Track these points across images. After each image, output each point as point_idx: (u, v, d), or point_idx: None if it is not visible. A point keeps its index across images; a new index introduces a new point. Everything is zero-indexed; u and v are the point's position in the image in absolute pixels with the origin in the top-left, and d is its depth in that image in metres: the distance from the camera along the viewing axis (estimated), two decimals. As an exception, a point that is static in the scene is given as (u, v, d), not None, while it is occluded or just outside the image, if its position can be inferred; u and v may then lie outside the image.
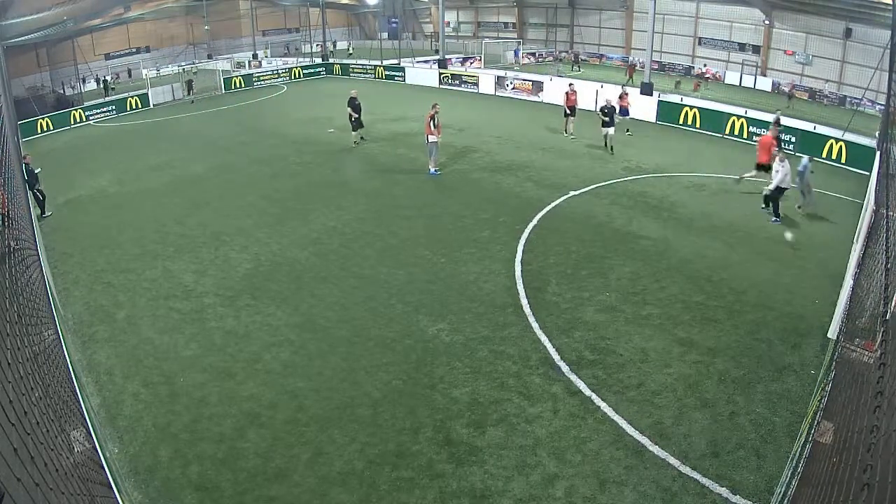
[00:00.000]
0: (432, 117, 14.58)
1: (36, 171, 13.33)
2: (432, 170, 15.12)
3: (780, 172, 11.51)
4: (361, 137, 18.63)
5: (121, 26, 44.24)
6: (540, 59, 45.29)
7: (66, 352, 6.22)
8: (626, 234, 11.21)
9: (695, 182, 14.23)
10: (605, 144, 17.13)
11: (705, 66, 37.08)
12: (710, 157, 16.69)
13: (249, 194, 14.10)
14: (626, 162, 15.94)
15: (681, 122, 20.37)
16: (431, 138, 14.72)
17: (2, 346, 2.48)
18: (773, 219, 11.73)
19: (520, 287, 9.24)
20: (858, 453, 2.41)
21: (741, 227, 11.43)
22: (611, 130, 16.94)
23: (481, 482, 5.55)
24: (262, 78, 34.07)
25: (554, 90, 25.52)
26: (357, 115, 17.92)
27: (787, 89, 31.44)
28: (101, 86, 36.11)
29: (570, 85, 19.60)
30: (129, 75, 41.42)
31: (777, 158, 11.76)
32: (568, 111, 18.85)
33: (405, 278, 9.63)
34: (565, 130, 19.10)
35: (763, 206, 12.07)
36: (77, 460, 3.65)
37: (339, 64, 37.01)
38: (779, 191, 11.62)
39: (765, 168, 12.94)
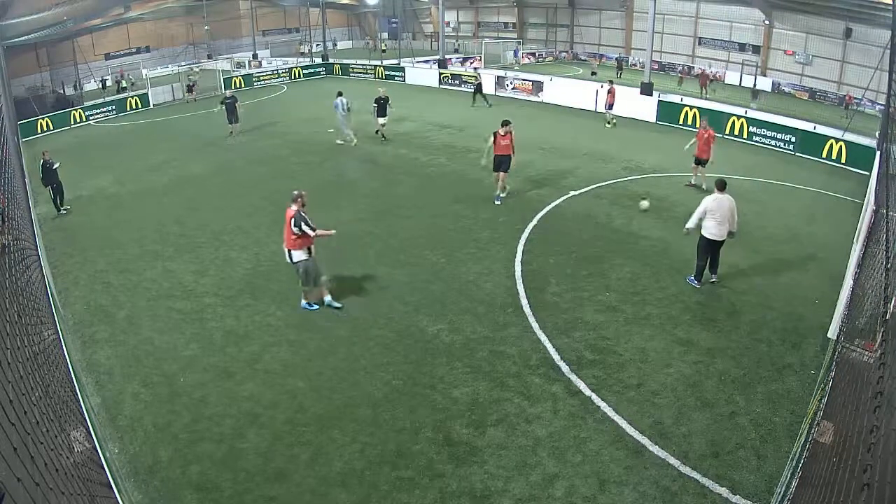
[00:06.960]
0: (302, 221, 7.93)
1: (55, 167, 13.40)
2: (304, 303, 8.78)
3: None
4: (382, 127, 18.84)
5: (121, 26, 44.31)
6: (540, 59, 45.30)
7: (66, 352, 6.22)
8: (627, 234, 11.21)
9: (695, 182, 14.20)
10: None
11: (710, 66, 36.87)
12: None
13: (249, 194, 14.10)
14: (626, 162, 15.94)
15: (681, 122, 20.38)
16: (300, 254, 8.24)
17: (2, 346, 2.48)
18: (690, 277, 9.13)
19: (520, 287, 9.24)
20: (858, 453, 2.41)
21: (740, 227, 11.40)
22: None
23: (481, 482, 5.55)
24: (261, 78, 34.09)
25: (554, 90, 25.53)
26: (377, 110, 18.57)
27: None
28: (115, 85, 36.16)
29: (706, 127, 13.58)
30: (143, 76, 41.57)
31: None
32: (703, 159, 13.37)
33: (405, 278, 9.63)
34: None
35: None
36: (77, 460, 3.65)
37: (339, 64, 37.06)
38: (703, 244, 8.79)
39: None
